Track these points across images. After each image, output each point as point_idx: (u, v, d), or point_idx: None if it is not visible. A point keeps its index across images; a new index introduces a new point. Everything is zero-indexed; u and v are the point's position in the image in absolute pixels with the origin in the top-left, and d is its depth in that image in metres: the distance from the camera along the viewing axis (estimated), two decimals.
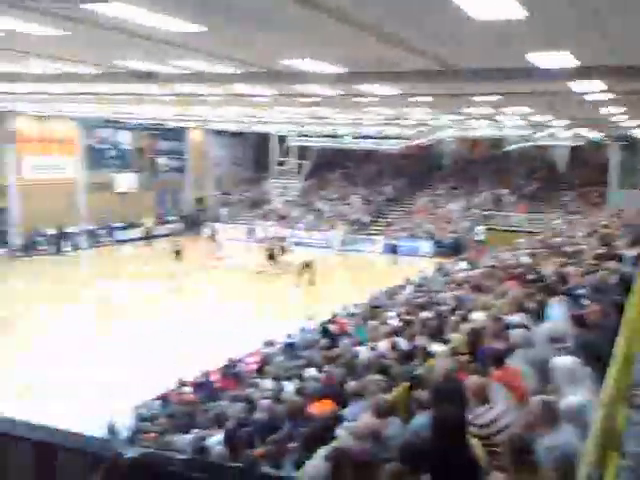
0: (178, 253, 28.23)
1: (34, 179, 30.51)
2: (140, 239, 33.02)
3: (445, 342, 8.24)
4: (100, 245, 32.20)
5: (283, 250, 27.33)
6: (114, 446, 2.47)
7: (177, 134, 39.75)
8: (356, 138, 36.29)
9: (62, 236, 31.04)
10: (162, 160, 39.11)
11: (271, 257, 26.63)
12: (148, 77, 12.07)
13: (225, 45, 9.10)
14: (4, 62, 11.73)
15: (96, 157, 34.33)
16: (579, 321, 6.72)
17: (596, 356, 5.56)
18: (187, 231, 36.31)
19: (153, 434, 8.42)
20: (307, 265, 24.16)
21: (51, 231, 30.61)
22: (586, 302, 7.99)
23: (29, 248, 29.35)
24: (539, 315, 7.51)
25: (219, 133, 41.90)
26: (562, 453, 3.90)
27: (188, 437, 7.78)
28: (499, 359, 5.92)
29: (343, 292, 21.87)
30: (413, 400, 5.77)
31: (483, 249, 23.55)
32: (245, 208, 40.80)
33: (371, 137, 36.32)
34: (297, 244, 32.96)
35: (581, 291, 8.63)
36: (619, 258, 9.45)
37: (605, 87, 12.15)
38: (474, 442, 4.67)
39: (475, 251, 22.89)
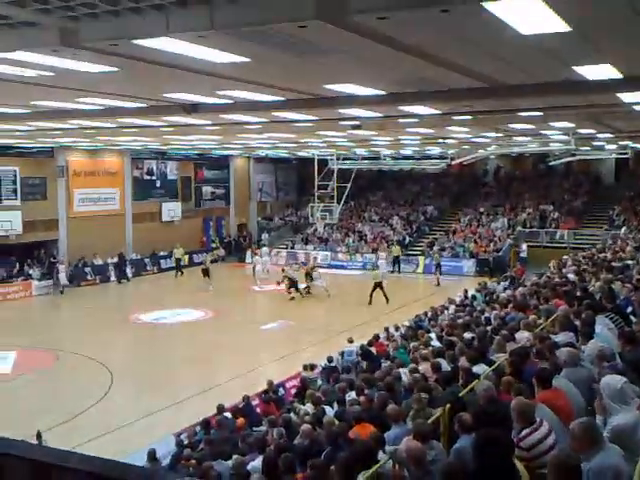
0: (206, 272, 27.99)
1: (83, 211, 31.32)
2: (174, 269, 32.84)
3: (489, 363, 8.03)
4: (146, 274, 32.63)
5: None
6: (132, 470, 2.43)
7: (221, 162, 40.42)
8: (397, 159, 36.20)
9: (116, 265, 31.72)
10: (207, 188, 39.75)
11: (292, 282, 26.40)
12: (194, 108, 12.34)
13: (269, 75, 9.21)
14: (55, 99, 12.10)
15: (143, 188, 35.12)
16: (628, 338, 6.47)
17: None
18: (229, 257, 36.62)
19: (193, 461, 8.40)
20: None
21: (97, 262, 31.24)
22: (635, 318, 7.74)
23: (76, 279, 29.91)
24: (587, 333, 7.27)
25: (262, 159, 42.44)
26: (606, 475, 3.74)
27: (228, 463, 7.73)
28: (545, 379, 5.74)
29: (385, 313, 21.74)
30: (456, 423, 5.61)
31: (523, 267, 22.85)
32: (287, 232, 41.05)
33: (412, 157, 36.20)
34: (336, 267, 33.08)
35: (629, 307, 8.36)
36: None
37: None
38: (519, 464, 4.54)
39: (518, 269, 22.26)
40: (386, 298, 24.56)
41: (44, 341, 19.60)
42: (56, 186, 30.25)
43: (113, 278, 31.33)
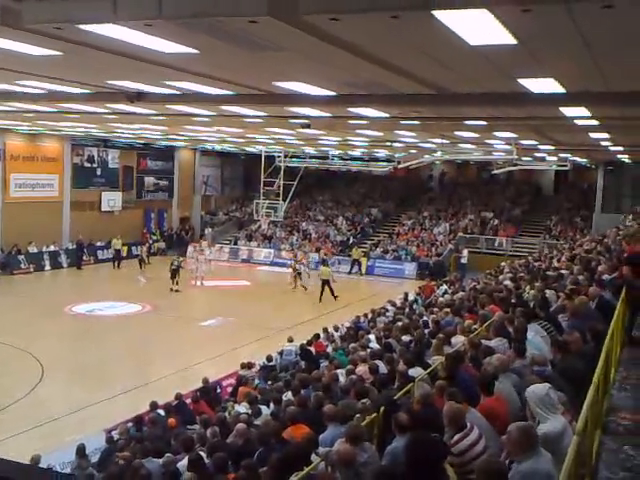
0: (175, 272, 26.66)
1: (20, 197, 30.28)
2: (112, 260, 32.13)
3: (425, 366, 8.13)
4: (83, 264, 31.75)
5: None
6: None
7: (166, 153, 39.71)
8: (345, 159, 36.38)
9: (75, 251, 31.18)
10: (149, 179, 38.98)
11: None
12: (139, 97, 12.04)
13: (217, 68, 9.08)
14: None
15: (83, 175, 34.17)
16: (560, 346, 6.64)
17: (576, 382, 5.51)
18: (170, 250, 36.01)
19: (123, 457, 8.22)
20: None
21: (32, 249, 30.28)
22: (566, 327, 7.95)
23: (9, 266, 28.90)
24: (519, 339, 7.42)
25: (209, 153, 41.91)
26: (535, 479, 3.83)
27: (159, 461, 7.59)
28: (487, 386, 5.84)
29: (326, 313, 21.82)
30: (391, 425, 5.65)
31: (431, 287, 21.98)
32: (231, 228, 40.70)
33: (360, 159, 36.44)
34: (279, 265, 33.09)
35: (562, 316, 8.60)
36: (600, 283, 9.41)
37: (589, 113, 12.26)
38: (449, 469, 4.59)
39: (427, 287, 21.82)
40: (333, 294, 25.06)
41: None
42: None
43: (48, 267, 30.46)
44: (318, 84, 10.09)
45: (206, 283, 27.99)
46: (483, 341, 7.97)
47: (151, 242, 35.36)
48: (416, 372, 7.89)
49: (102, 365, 16.40)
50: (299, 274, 27.74)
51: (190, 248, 34.46)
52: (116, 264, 31.77)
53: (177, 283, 26.33)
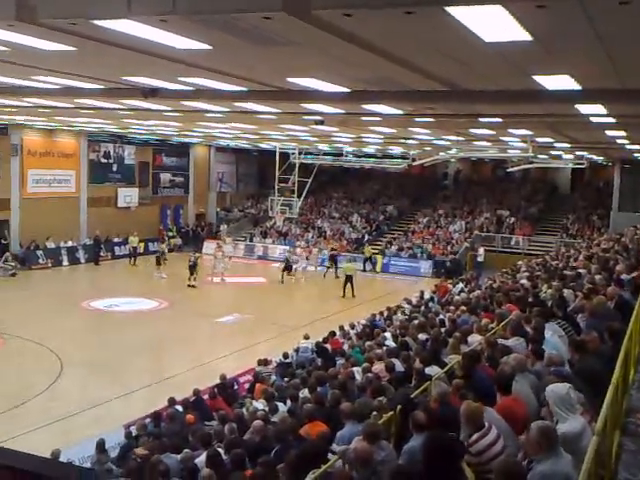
0: (192, 268, 26.96)
1: (37, 192, 30.56)
2: (129, 256, 32.25)
3: (441, 365, 8.13)
4: (100, 260, 32.00)
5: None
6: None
7: (181, 150, 39.86)
8: (359, 156, 36.35)
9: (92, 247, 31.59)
10: (165, 175, 39.18)
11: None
12: (154, 93, 12.10)
13: (231, 64, 9.10)
14: (11, 76, 11.74)
15: (99, 171, 34.40)
16: (578, 346, 6.61)
17: (594, 382, 5.49)
18: (186, 247, 36.18)
19: (142, 452, 8.30)
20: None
21: (50, 245, 30.56)
22: (584, 327, 7.92)
23: (28, 261, 29.21)
24: (536, 339, 7.40)
25: (224, 149, 42.03)
26: None
27: (177, 457, 7.65)
28: (505, 386, 5.82)
29: (343, 310, 21.85)
30: (408, 424, 5.66)
31: (445, 286, 21.57)
32: (246, 225, 40.81)
33: (374, 156, 36.38)
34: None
35: (580, 315, 8.56)
36: (618, 283, 9.35)
37: (605, 111, 12.15)
38: (467, 469, 4.60)
39: (441, 286, 21.46)
40: (352, 293, 25.39)
41: None
42: (9, 165, 29.41)
43: (65, 262, 30.72)
44: (331, 80, 10.06)
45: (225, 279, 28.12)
46: (500, 340, 7.96)
47: (167, 239, 35.47)
48: (433, 371, 7.89)
49: (120, 360, 16.54)
50: (289, 267, 27.96)
51: (210, 244, 34.60)
52: (132, 260, 31.93)
53: (195, 279, 26.46)
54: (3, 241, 28.96)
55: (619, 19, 5.50)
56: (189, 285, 26.18)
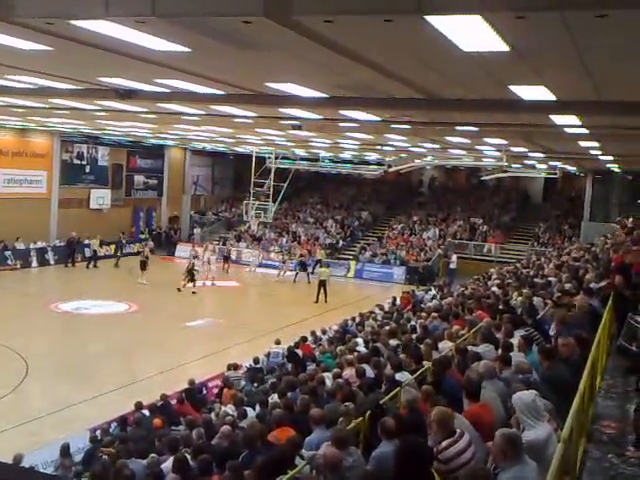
0: (144, 264, 27.10)
1: (8, 193, 30.05)
2: (89, 259, 31.55)
3: (411, 371, 8.13)
4: (70, 262, 31.49)
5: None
6: None
7: (156, 152, 39.54)
8: (335, 162, 36.43)
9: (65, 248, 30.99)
10: (139, 177, 38.78)
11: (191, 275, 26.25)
12: (129, 94, 11.97)
13: (208, 67, 9.03)
14: None
15: (72, 172, 33.93)
16: (547, 354, 6.65)
17: (562, 389, 5.52)
18: (158, 249, 35.79)
19: (109, 450, 8.17)
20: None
21: (20, 246, 30.04)
22: (553, 334, 7.98)
23: None
24: (506, 346, 7.44)
25: (199, 152, 41.78)
26: None
27: (143, 462, 7.54)
28: (473, 393, 5.84)
29: (314, 315, 21.80)
30: (377, 430, 5.64)
31: (407, 298, 20.64)
32: (220, 228, 40.58)
33: (350, 162, 36.47)
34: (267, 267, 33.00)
35: (548, 323, 8.63)
36: (587, 291, 9.46)
37: (579, 122, 12.32)
38: (436, 476, 4.58)
39: (403, 297, 21.16)
40: (325, 298, 25.37)
41: None
42: None
43: (35, 264, 30.22)
44: (310, 85, 10.06)
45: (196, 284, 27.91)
46: (470, 347, 7.99)
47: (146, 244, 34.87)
48: (403, 377, 7.89)
49: (87, 364, 16.28)
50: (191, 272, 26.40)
51: (183, 247, 34.15)
52: (93, 263, 31.30)
53: (194, 284, 26.00)
54: None
55: (597, 32, 5.57)
56: (193, 292, 25.61)
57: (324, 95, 10.79)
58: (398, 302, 19.29)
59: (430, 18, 5.32)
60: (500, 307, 11.12)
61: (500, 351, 7.38)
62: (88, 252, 32.36)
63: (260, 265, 33.89)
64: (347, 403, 6.99)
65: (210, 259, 28.70)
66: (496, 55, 6.64)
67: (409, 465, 4.31)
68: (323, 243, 36.14)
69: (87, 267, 31.06)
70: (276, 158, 31.18)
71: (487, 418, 5.56)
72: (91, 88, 12.20)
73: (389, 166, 31.15)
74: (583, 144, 17.84)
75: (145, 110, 15.93)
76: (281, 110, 13.62)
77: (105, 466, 7.87)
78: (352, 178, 42.42)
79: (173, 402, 11.19)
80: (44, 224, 31.93)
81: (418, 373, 7.81)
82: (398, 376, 7.93)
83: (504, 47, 6.23)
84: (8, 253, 29.34)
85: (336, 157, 34.96)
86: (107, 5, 5.72)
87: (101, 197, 35.47)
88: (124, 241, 34.34)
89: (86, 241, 32.85)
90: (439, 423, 5.07)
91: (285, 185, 31.81)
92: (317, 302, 25.24)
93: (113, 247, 33.54)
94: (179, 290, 25.53)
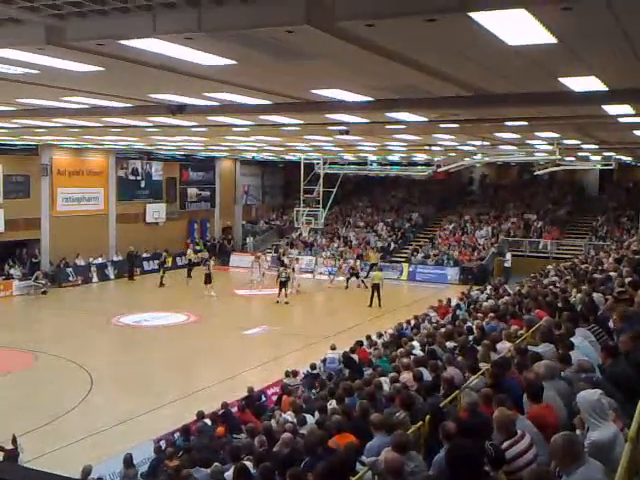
0: (208, 277, 27.43)
1: (66, 211, 31.04)
2: (157, 271, 31.96)
3: (471, 373, 8.02)
4: (129, 275, 32.27)
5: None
6: None
7: (207, 164, 40.23)
8: (383, 165, 36.30)
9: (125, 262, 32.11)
10: (192, 190, 39.55)
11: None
12: (180, 110, 12.24)
13: (255, 78, 9.16)
14: (40, 97, 11.97)
15: (127, 188, 34.84)
16: (610, 351, 6.47)
17: (626, 387, 5.37)
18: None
19: (174, 464, 8.32)
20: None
21: (80, 262, 30.94)
22: (615, 331, 7.75)
23: (58, 279, 29.59)
24: (566, 345, 7.27)
25: (249, 162, 42.31)
26: None
27: (207, 471, 7.66)
28: (535, 394, 5.73)
29: (369, 320, 21.74)
30: (440, 432, 5.59)
31: (446, 307, 20.59)
32: (272, 237, 40.94)
33: (398, 164, 36.28)
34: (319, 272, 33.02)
35: (610, 320, 8.38)
36: None
37: (633, 111, 11.97)
38: (499, 476, 4.54)
39: (441, 307, 20.90)
40: (379, 302, 25.22)
41: (23, 342, 19.37)
42: (40, 184, 29.92)
43: (95, 279, 31.08)
44: (355, 90, 10.10)
45: (254, 291, 28.14)
46: (530, 347, 7.84)
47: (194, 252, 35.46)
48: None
49: (149, 375, 16.66)
50: (284, 282, 26.29)
51: (236, 257, 34.45)
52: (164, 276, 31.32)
53: (286, 295, 26.05)
54: (34, 260, 29.42)
55: None
56: (286, 302, 25.77)
57: (370, 99, 10.80)
58: (453, 302, 19.03)
59: (474, 15, 5.27)
60: (559, 305, 10.86)
61: (558, 351, 7.22)
62: (148, 265, 33.33)
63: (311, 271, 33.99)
64: (402, 412, 6.91)
65: (294, 268, 28.74)
66: (543, 47, 6.52)
67: (459, 469, 4.29)
68: (375, 246, 36.01)
69: (189, 276, 31.30)
70: (324, 164, 31.26)
71: (550, 419, 5.45)
72: (143, 105, 12.53)
73: (438, 166, 30.83)
74: (638, 133, 17.32)
75: (196, 124, 16.25)
76: (328, 116, 13.69)
77: (170, 477, 8.03)
78: (401, 180, 42.17)
79: (234, 410, 11.33)
80: (103, 240, 32.83)
81: (478, 374, 7.69)
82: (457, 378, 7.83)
83: (551, 39, 6.13)
84: (69, 270, 30.27)
85: (384, 159, 34.84)
86: (154, 23, 5.89)
87: (156, 211, 36.28)
88: (165, 259, 32.84)
89: (144, 254, 33.67)
90: (499, 425, 5.05)
91: (334, 190, 31.85)
92: (371, 306, 25.18)
93: (170, 259, 34.09)
94: (287, 303, 25.71)
